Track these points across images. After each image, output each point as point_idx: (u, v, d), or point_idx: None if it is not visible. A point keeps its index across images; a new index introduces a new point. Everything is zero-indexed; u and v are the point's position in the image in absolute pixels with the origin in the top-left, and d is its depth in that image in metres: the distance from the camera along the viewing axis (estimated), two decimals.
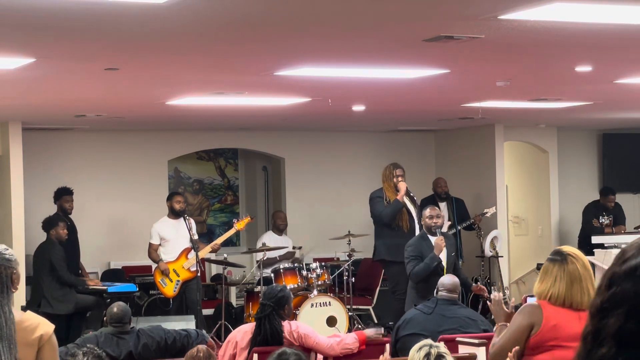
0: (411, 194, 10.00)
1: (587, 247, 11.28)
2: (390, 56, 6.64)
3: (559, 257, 4.35)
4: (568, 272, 4.30)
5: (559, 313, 4.33)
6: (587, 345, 1.59)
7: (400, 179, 9.92)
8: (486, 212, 12.12)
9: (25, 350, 3.64)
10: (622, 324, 1.54)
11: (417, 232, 9.64)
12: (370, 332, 7.00)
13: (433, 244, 8.78)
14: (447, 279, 7.26)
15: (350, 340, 6.80)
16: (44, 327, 3.72)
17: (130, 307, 6.89)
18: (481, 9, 4.97)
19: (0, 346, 3.50)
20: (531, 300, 4.56)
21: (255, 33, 5.54)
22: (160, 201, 11.19)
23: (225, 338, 7.87)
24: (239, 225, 10.67)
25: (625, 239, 10.46)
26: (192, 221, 10.63)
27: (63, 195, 10.98)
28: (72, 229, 10.89)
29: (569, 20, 5.36)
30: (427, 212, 8.97)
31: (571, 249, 4.45)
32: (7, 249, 3.69)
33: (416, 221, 9.82)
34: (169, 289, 10.45)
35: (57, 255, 10.17)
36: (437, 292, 7.18)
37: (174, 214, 10.55)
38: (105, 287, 10.37)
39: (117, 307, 6.56)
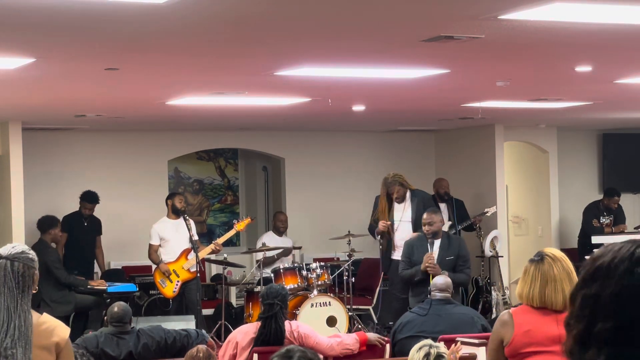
0: (402, 198, 10.07)
1: (587, 247, 11.29)
2: (390, 56, 6.63)
3: (537, 258, 4.41)
4: (542, 272, 4.34)
5: (534, 317, 4.35)
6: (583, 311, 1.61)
7: (394, 194, 10.02)
8: (486, 212, 12.12)
9: (41, 353, 3.62)
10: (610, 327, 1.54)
11: (398, 238, 9.81)
12: (372, 335, 7.01)
13: (425, 250, 8.72)
14: (439, 279, 7.29)
15: (350, 341, 6.81)
16: (61, 331, 3.70)
17: (130, 307, 6.88)
18: (481, 9, 4.97)
19: (17, 345, 3.50)
20: None
21: (255, 33, 5.54)
22: (160, 201, 11.19)
23: (225, 338, 7.87)
24: (239, 226, 10.68)
25: (625, 239, 10.44)
26: (191, 222, 10.63)
27: (83, 200, 11.26)
28: (90, 229, 11.07)
29: (569, 20, 5.36)
30: (424, 217, 8.82)
31: (553, 251, 4.48)
32: (30, 250, 3.68)
33: (399, 223, 9.91)
34: (169, 289, 10.45)
35: (52, 257, 10.17)
36: (430, 294, 7.20)
37: (175, 212, 10.55)
38: (106, 287, 10.37)
39: (117, 306, 6.56)
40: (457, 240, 9.04)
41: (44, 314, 3.80)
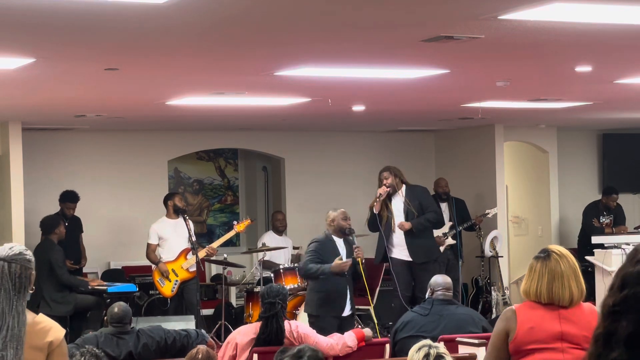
0: (390, 192, 9.80)
1: (587, 247, 11.28)
2: (390, 56, 6.64)
3: (543, 255, 4.43)
4: (549, 269, 4.36)
5: (537, 314, 4.36)
6: (598, 348, 1.57)
7: (384, 182, 9.65)
8: (487, 213, 12.12)
9: (34, 353, 3.62)
10: (634, 330, 1.52)
11: (394, 228, 9.67)
12: (368, 332, 7.02)
13: (339, 247, 8.58)
14: (441, 279, 7.23)
15: (349, 339, 6.81)
16: (55, 332, 3.70)
17: (130, 307, 6.88)
18: (481, 9, 4.98)
19: (8, 346, 3.50)
20: None
21: (255, 33, 5.54)
22: (160, 201, 11.18)
23: (225, 338, 7.87)
24: (239, 227, 10.67)
25: (625, 239, 10.46)
26: (190, 222, 10.61)
27: (66, 201, 11.06)
28: (72, 229, 10.93)
29: (569, 20, 5.36)
30: (344, 213, 8.65)
31: (557, 248, 4.52)
32: (27, 250, 3.68)
33: (396, 218, 9.73)
34: (167, 288, 10.44)
35: (57, 256, 10.14)
36: (432, 293, 7.15)
37: (176, 212, 10.54)
38: (105, 287, 10.36)
39: (117, 307, 6.56)
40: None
41: (40, 314, 3.80)
